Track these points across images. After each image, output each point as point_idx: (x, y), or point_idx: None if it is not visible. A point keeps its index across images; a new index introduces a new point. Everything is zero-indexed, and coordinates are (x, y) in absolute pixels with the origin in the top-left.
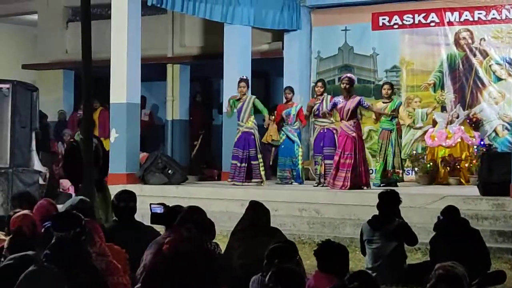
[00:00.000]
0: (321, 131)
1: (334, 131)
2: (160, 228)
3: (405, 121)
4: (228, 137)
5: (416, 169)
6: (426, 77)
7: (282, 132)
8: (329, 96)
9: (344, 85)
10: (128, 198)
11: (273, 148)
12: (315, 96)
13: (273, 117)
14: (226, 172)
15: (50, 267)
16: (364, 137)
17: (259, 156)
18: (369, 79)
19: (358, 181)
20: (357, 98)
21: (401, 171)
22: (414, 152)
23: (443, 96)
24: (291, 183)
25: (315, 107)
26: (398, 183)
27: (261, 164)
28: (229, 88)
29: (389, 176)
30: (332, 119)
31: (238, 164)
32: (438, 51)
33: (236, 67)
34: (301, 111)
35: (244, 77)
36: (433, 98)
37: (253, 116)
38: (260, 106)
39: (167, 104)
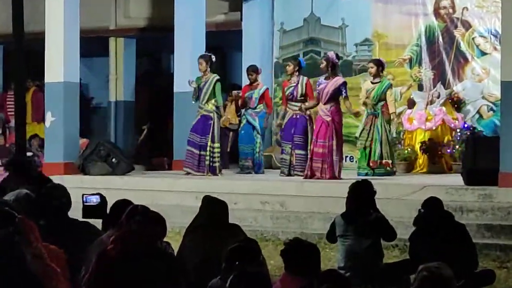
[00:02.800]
0: (293, 116)
1: (307, 118)
2: (98, 223)
3: (389, 108)
4: (180, 121)
5: None
6: (402, 52)
7: (243, 116)
8: (305, 78)
9: (323, 64)
10: (59, 194)
11: (231, 133)
12: (287, 76)
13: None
14: (177, 160)
15: None
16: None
17: (215, 145)
18: (337, 53)
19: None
20: (340, 81)
21: (390, 162)
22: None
23: (420, 73)
24: (253, 171)
25: (288, 91)
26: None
27: (216, 153)
28: (180, 65)
29: (373, 167)
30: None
31: (195, 151)
32: (415, 22)
33: (188, 41)
34: (266, 95)
35: (203, 54)
36: (409, 75)
37: (215, 99)
38: (217, 92)
39: (110, 83)
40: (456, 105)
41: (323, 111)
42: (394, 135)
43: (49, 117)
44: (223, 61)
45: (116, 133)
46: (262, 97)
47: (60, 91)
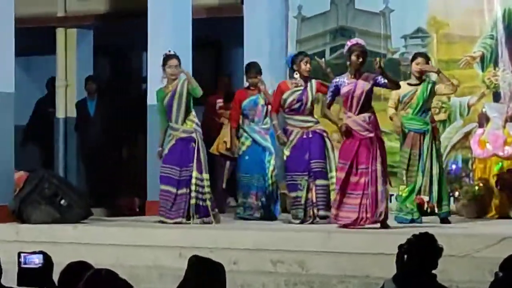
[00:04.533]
0: (303, 135)
1: (325, 134)
2: None
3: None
4: (156, 145)
5: (456, 193)
6: (470, 47)
7: (245, 135)
8: (314, 81)
9: (356, 57)
10: None
11: (228, 162)
12: (294, 78)
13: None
14: (153, 201)
15: None
16: None
17: (204, 176)
18: (377, 50)
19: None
20: (372, 77)
21: (426, 200)
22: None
23: (496, 77)
24: (260, 217)
25: (292, 97)
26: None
27: (206, 187)
28: (156, 65)
29: (426, 207)
30: (315, 116)
31: (174, 191)
32: (489, 5)
33: (167, 32)
34: (273, 98)
35: (173, 52)
36: (480, 79)
37: (193, 112)
38: (192, 86)
39: (58, 91)
40: None
41: (359, 123)
42: (461, 164)
43: None
44: (218, 60)
45: (66, 164)
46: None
47: None
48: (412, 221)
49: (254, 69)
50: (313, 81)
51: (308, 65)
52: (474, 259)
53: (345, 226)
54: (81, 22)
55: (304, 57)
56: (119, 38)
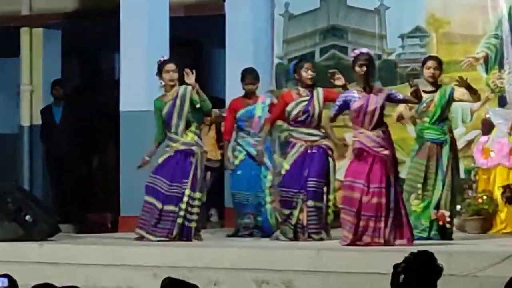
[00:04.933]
0: (306, 150)
1: (330, 152)
2: None
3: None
4: (129, 156)
5: (458, 207)
6: (473, 47)
7: (239, 148)
8: (320, 89)
9: (359, 67)
10: None
11: (209, 173)
12: (297, 85)
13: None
14: (126, 217)
15: None
16: None
17: (196, 195)
18: (372, 51)
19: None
20: (385, 91)
21: (447, 215)
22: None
23: (502, 80)
24: (257, 235)
25: (297, 109)
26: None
27: (196, 207)
28: (130, 69)
29: (444, 221)
30: (322, 130)
31: (157, 205)
32: (493, 2)
33: (142, 32)
34: (273, 108)
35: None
36: (484, 82)
37: (195, 123)
38: (197, 97)
39: (22, 97)
40: None
41: (373, 139)
42: (463, 175)
43: None
44: (197, 61)
45: (31, 176)
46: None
47: None
48: (429, 238)
49: (250, 75)
50: (319, 89)
51: (309, 72)
52: (477, 278)
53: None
54: (48, 21)
55: (305, 64)
56: (89, 39)
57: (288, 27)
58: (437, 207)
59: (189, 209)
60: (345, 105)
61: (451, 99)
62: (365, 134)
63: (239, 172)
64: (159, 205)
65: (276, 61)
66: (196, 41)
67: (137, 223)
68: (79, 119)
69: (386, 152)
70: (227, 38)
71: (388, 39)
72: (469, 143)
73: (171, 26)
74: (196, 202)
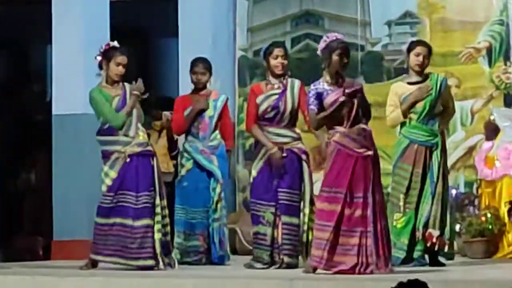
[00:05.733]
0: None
1: (304, 156)
2: None
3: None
4: (63, 168)
5: (457, 226)
6: (473, 36)
7: (186, 155)
8: (297, 82)
9: (339, 57)
10: None
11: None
12: (266, 77)
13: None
14: (60, 241)
15: None
16: None
17: (164, 203)
18: (353, 41)
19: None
20: (358, 85)
21: (446, 238)
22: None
23: (508, 74)
24: (207, 262)
25: (265, 104)
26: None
27: (167, 222)
28: (63, 61)
29: (432, 244)
30: (297, 130)
31: (130, 223)
32: None
33: (77, 20)
34: (225, 111)
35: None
36: (487, 78)
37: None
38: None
39: None
40: None
41: (352, 138)
42: (464, 189)
43: None
44: (144, 54)
45: None
46: (221, 116)
47: None
48: (408, 261)
49: (199, 63)
50: (296, 81)
51: (279, 59)
52: None
53: (339, 272)
54: None
55: (274, 49)
56: (16, 28)
57: (253, 13)
58: (426, 225)
59: (163, 220)
60: (318, 99)
61: (443, 93)
62: (341, 133)
63: (185, 184)
64: (130, 222)
65: (239, 53)
66: (142, 29)
67: (92, 248)
68: (2, 127)
69: (370, 152)
70: (179, 26)
71: (373, 26)
72: (470, 150)
73: (112, 13)
74: (166, 211)
